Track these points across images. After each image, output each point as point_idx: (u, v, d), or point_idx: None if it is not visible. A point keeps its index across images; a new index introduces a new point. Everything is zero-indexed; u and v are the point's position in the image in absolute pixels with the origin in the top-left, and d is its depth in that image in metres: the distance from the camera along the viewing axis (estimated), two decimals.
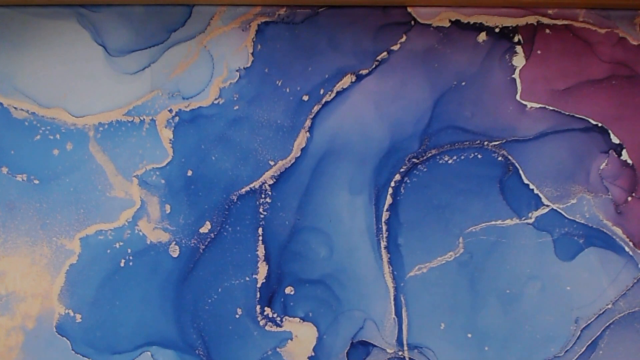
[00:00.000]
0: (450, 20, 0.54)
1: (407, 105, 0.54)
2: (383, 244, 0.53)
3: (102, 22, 0.54)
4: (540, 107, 0.54)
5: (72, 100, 0.54)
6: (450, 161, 0.53)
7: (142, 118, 0.54)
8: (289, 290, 0.52)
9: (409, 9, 0.54)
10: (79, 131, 0.53)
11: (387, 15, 0.54)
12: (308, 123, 0.54)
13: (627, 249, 0.52)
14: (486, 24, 0.54)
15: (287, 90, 0.54)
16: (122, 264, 0.52)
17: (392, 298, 0.52)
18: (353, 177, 0.53)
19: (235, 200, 0.53)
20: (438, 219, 0.53)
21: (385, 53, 0.54)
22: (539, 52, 0.54)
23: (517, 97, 0.54)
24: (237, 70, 0.54)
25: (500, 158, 0.53)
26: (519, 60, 0.54)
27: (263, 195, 0.53)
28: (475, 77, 0.54)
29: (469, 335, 0.52)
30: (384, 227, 0.53)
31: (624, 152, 0.53)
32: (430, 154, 0.53)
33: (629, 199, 0.53)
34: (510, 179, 0.53)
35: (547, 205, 0.53)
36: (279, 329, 0.52)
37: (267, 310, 0.52)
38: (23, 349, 0.51)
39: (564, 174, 0.53)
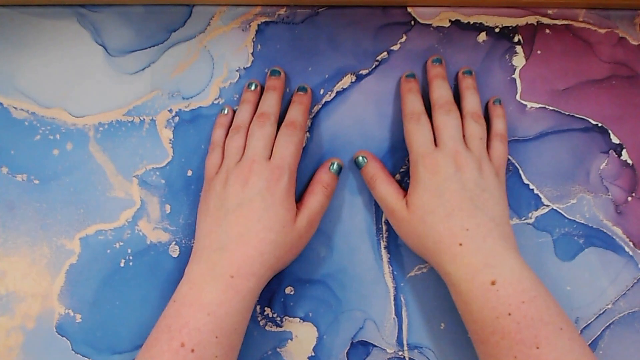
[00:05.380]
0: (450, 20, 0.54)
1: None
2: (383, 244, 0.52)
3: (102, 22, 0.54)
4: (540, 107, 0.54)
5: (72, 100, 0.54)
6: None
7: (142, 118, 0.54)
8: (289, 290, 0.52)
9: (409, 9, 0.54)
10: (79, 131, 0.53)
11: (387, 15, 0.54)
12: (308, 123, 0.53)
13: (627, 249, 0.52)
14: (486, 24, 0.54)
15: (287, 90, 0.54)
16: (122, 264, 0.52)
17: (392, 298, 0.52)
18: (353, 177, 0.53)
19: None
20: None
21: (385, 53, 0.54)
22: (539, 52, 0.54)
23: (517, 97, 0.54)
24: (237, 70, 0.54)
25: None
26: (519, 60, 0.54)
27: None
28: (475, 77, 0.53)
29: (469, 335, 0.52)
30: (384, 227, 0.53)
31: (624, 152, 0.53)
32: None
33: (629, 199, 0.53)
34: (510, 179, 0.53)
35: (547, 205, 0.53)
36: (279, 329, 0.52)
37: (267, 310, 0.52)
38: (23, 349, 0.51)
39: (564, 174, 0.53)
